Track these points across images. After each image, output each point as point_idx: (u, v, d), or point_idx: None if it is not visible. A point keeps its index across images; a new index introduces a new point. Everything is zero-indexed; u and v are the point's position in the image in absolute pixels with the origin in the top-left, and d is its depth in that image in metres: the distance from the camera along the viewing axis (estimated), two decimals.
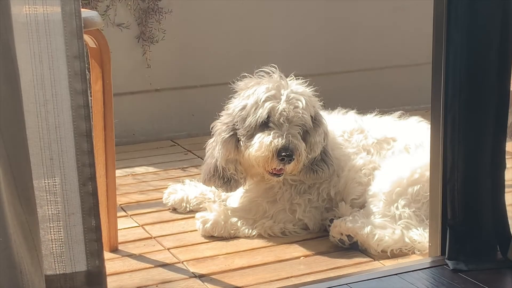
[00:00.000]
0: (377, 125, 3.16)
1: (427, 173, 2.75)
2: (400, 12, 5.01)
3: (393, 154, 3.04)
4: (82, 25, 1.98)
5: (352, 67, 4.93)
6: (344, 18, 4.89)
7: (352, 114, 3.22)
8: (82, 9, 2.01)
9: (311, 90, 3.01)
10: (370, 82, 4.97)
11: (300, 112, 2.89)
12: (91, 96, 2.68)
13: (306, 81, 3.02)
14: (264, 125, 2.89)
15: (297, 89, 2.95)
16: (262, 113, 2.87)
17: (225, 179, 3.00)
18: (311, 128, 2.94)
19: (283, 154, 2.83)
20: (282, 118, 2.88)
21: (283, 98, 2.89)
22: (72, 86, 1.99)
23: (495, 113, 2.54)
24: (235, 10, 4.61)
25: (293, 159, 2.85)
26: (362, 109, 3.34)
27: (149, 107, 4.48)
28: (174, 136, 4.50)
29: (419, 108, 4.75)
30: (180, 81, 4.53)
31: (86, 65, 2.03)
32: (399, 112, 3.26)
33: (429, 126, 2.71)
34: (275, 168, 2.89)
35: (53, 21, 1.95)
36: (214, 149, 3.00)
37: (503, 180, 2.61)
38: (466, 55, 2.50)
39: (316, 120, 2.97)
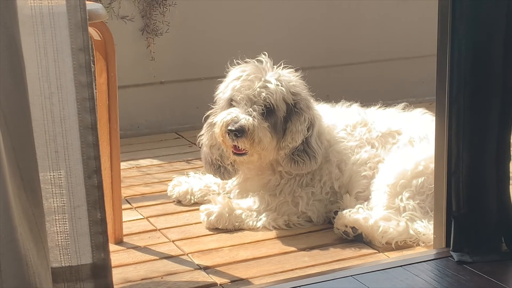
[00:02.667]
0: (381, 118, 3.16)
1: (432, 165, 2.75)
2: (403, 3, 5.00)
3: (398, 149, 3.04)
4: (87, 17, 1.98)
5: (355, 60, 4.92)
6: (348, 10, 4.89)
7: (355, 107, 3.21)
8: (86, 2, 2.01)
9: (297, 78, 3.00)
10: (374, 74, 4.96)
11: (257, 90, 2.88)
12: (95, 89, 2.68)
13: (295, 70, 3.02)
14: (230, 105, 2.93)
15: (274, 75, 2.94)
16: (226, 92, 2.93)
17: (215, 166, 3.02)
18: (290, 115, 2.92)
19: (229, 128, 2.84)
20: (240, 96, 2.89)
21: (242, 77, 2.91)
22: (77, 79, 1.99)
23: (500, 105, 2.54)
24: (238, 2, 4.61)
25: (241, 135, 2.84)
26: (366, 102, 3.33)
27: (153, 100, 4.48)
28: (178, 128, 4.50)
29: (423, 100, 4.75)
30: (184, 73, 4.53)
31: (91, 58, 2.03)
32: (403, 104, 3.25)
33: (434, 118, 2.71)
34: (234, 146, 2.89)
35: (58, 13, 1.95)
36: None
37: (508, 172, 2.61)
38: (471, 47, 2.50)
39: (298, 108, 2.94)
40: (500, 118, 2.55)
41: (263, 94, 2.88)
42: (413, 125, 3.10)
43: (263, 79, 2.91)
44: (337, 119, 3.13)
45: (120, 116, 2.79)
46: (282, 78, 2.94)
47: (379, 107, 3.25)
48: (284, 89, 2.91)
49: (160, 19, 4.38)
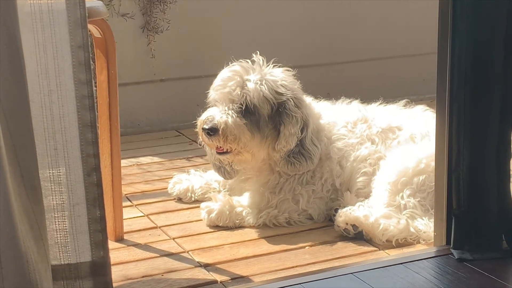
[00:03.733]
0: (382, 114, 3.15)
1: (433, 163, 2.75)
2: (404, 3, 5.00)
3: (398, 144, 3.03)
4: (86, 14, 1.98)
5: (356, 57, 4.92)
6: (349, 8, 4.88)
7: (355, 104, 3.21)
8: None
9: (289, 76, 2.99)
10: (375, 72, 4.96)
11: (233, 88, 2.88)
12: (95, 86, 2.68)
13: (291, 68, 3.02)
14: (215, 105, 2.95)
15: (257, 74, 2.93)
16: (211, 93, 2.96)
17: (216, 166, 3.04)
18: (281, 117, 2.91)
19: (203, 127, 2.88)
20: (219, 96, 2.91)
21: (220, 76, 2.93)
22: (77, 76, 1.99)
23: (501, 102, 2.54)
24: (239, 1, 4.61)
25: (214, 133, 2.85)
26: (367, 99, 3.33)
27: (154, 97, 4.48)
28: (179, 126, 4.50)
29: (424, 98, 4.75)
30: (184, 71, 4.53)
31: (91, 55, 2.02)
32: (404, 101, 3.25)
33: (435, 115, 2.71)
34: (216, 146, 2.91)
35: (57, 10, 1.95)
36: None
37: (509, 170, 2.61)
38: (472, 45, 2.50)
39: (287, 109, 2.92)
40: (500, 116, 2.55)
41: (238, 92, 2.88)
42: (414, 122, 3.09)
43: (244, 77, 2.91)
44: (338, 116, 3.13)
45: (120, 114, 2.79)
46: (266, 77, 2.93)
47: (380, 104, 3.24)
48: (265, 87, 2.90)
49: (161, 17, 4.38)
